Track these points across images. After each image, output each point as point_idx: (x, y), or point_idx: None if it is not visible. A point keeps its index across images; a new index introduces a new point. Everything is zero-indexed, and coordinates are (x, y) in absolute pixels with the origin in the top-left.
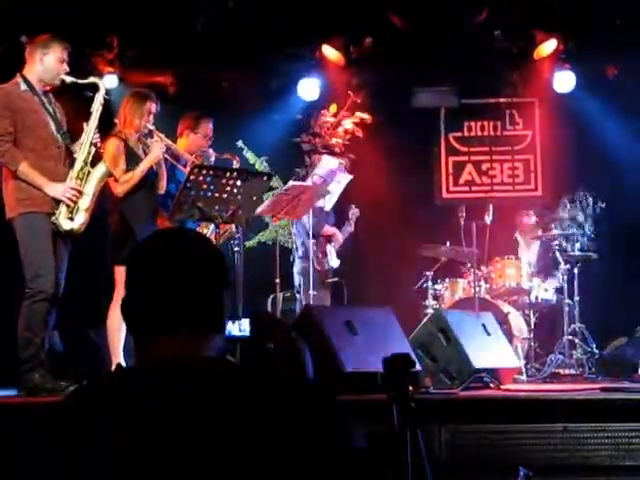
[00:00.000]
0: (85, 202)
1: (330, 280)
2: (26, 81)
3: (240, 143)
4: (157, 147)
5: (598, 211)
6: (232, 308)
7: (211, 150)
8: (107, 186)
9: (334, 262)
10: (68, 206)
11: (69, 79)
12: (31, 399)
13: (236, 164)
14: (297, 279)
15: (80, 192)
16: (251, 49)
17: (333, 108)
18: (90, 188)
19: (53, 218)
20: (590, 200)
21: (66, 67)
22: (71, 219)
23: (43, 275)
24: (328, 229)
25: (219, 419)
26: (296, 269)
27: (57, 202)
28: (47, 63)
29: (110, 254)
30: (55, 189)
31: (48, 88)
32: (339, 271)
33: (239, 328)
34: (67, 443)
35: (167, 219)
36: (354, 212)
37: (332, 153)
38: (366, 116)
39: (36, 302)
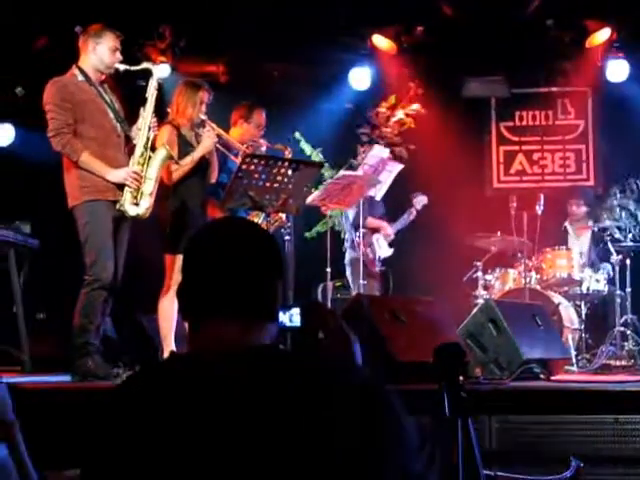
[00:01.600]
0: (149, 187)
1: (377, 270)
2: (82, 72)
3: (297, 135)
4: (209, 137)
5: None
6: (283, 297)
7: (262, 140)
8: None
9: (384, 252)
10: (132, 192)
11: (122, 67)
12: (84, 385)
13: (287, 155)
14: (347, 269)
15: (141, 176)
16: (302, 39)
17: (392, 99)
18: (152, 172)
19: (119, 205)
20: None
21: (119, 56)
22: (136, 204)
23: (102, 263)
24: (372, 221)
25: (270, 408)
26: (346, 259)
27: (121, 189)
28: (100, 52)
29: (162, 242)
30: (117, 175)
31: (103, 78)
32: (389, 261)
33: (290, 318)
34: (119, 430)
35: (218, 208)
36: (420, 199)
37: (389, 144)
38: (419, 107)
39: (94, 290)
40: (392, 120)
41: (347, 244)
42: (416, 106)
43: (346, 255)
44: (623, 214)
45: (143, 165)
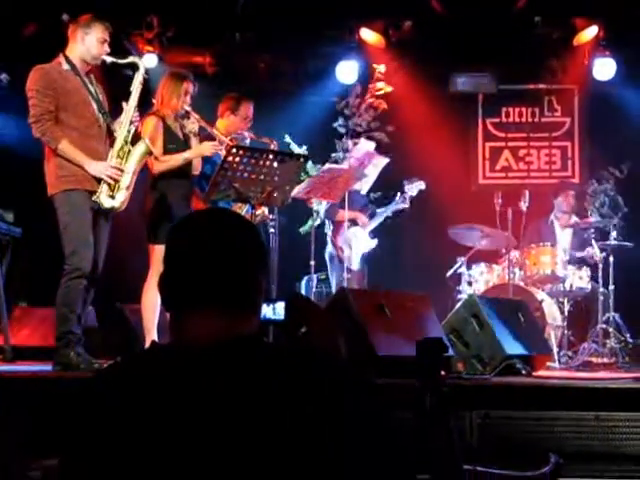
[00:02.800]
0: (126, 180)
1: (355, 268)
2: (68, 61)
3: (287, 138)
4: (208, 148)
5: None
6: (267, 290)
7: (247, 132)
8: (145, 165)
9: (364, 245)
10: (109, 184)
11: (109, 59)
12: (65, 374)
13: (273, 147)
14: (328, 264)
15: (121, 170)
16: (290, 31)
17: (358, 89)
18: (130, 166)
19: (94, 197)
20: (617, 173)
21: (107, 48)
22: (112, 197)
23: (81, 252)
24: (343, 214)
25: (251, 400)
26: (326, 254)
27: (98, 180)
28: (88, 43)
29: (146, 232)
30: (96, 167)
31: (89, 68)
32: (372, 254)
33: (273, 311)
34: (98, 419)
35: (202, 199)
36: (415, 185)
37: (366, 131)
38: (384, 85)
39: (73, 279)
40: (363, 107)
41: (328, 238)
42: (381, 84)
43: (327, 249)
44: (605, 200)
45: (122, 158)
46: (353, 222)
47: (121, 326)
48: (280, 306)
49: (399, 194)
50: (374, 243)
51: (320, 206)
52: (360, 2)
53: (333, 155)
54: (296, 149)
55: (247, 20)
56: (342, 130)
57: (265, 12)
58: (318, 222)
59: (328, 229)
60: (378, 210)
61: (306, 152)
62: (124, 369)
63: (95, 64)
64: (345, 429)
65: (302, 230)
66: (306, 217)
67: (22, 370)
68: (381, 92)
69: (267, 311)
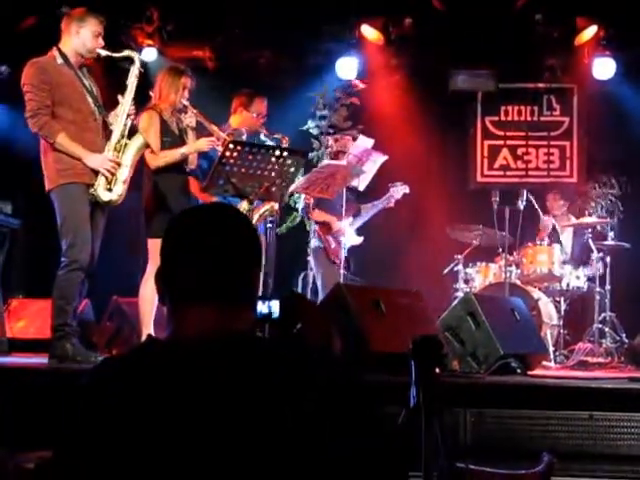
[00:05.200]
0: (123, 173)
1: (342, 257)
2: (62, 54)
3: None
4: (205, 143)
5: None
6: (263, 286)
7: (263, 128)
8: (142, 159)
9: (350, 240)
10: (106, 177)
11: (104, 53)
12: (61, 367)
13: (284, 144)
14: (310, 258)
15: (118, 164)
16: (290, 26)
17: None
18: (127, 159)
19: (92, 190)
20: (614, 182)
21: (101, 41)
22: (109, 190)
23: (78, 245)
24: (320, 215)
25: (246, 394)
26: (309, 248)
27: (96, 174)
28: (83, 37)
29: (143, 226)
30: (94, 160)
31: (83, 61)
32: (366, 251)
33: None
34: (93, 412)
35: (202, 191)
36: (399, 189)
37: (340, 131)
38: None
39: (71, 271)
40: (336, 106)
41: (311, 233)
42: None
43: (310, 243)
44: (605, 203)
45: (119, 152)
46: (324, 224)
47: (118, 319)
48: (275, 304)
49: (385, 196)
50: (360, 240)
51: (299, 203)
52: None
53: (310, 155)
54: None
55: (248, 15)
56: (315, 131)
57: (266, 7)
58: (297, 221)
59: (310, 225)
60: (363, 207)
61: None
62: (120, 363)
63: (90, 57)
64: (334, 425)
65: (279, 231)
66: (282, 218)
67: (18, 362)
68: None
69: (263, 308)
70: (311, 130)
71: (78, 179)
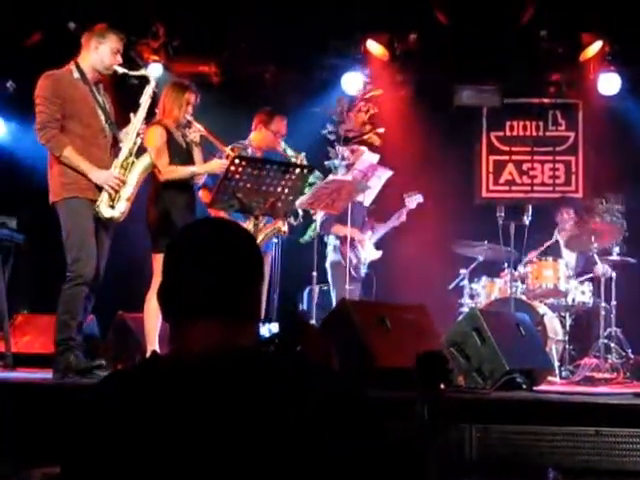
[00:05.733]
0: (127, 191)
1: (361, 274)
2: (79, 69)
3: (282, 145)
4: (218, 166)
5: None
6: (267, 301)
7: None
8: (149, 174)
9: (370, 255)
10: (110, 194)
11: (121, 70)
12: (65, 382)
13: (300, 162)
14: (328, 272)
15: (123, 181)
16: (296, 41)
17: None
18: (133, 178)
19: (95, 205)
20: (621, 198)
21: (119, 58)
22: (112, 207)
23: (83, 259)
24: (340, 229)
25: (251, 410)
26: (327, 262)
27: (99, 189)
28: (101, 52)
29: (149, 241)
30: (100, 175)
31: (99, 78)
32: (375, 264)
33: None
34: (98, 428)
35: (208, 207)
36: (415, 198)
37: (358, 136)
38: (374, 90)
39: (75, 286)
40: (353, 111)
41: (329, 247)
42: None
43: (327, 258)
44: (611, 219)
45: (126, 169)
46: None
47: (122, 335)
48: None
49: (397, 212)
50: (379, 254)
51: (317, 217)
52: (366, 14)
53: (327, 163)
54: (291, 154)
55: (253, 30)
56: (332, 137)
57: (271, 22)
58: (317, 232)
59: (329, 239)
60: (377, 225)
61: (305, 160)
62: (125, 378)
63: (107, 74)
64: (337, 440)
65: (302, 240)
66: (305, 227)
67: (22, 377)
68: (370, 94)
69: (264, 331)
70: (328, 136)
71: (82, 194)
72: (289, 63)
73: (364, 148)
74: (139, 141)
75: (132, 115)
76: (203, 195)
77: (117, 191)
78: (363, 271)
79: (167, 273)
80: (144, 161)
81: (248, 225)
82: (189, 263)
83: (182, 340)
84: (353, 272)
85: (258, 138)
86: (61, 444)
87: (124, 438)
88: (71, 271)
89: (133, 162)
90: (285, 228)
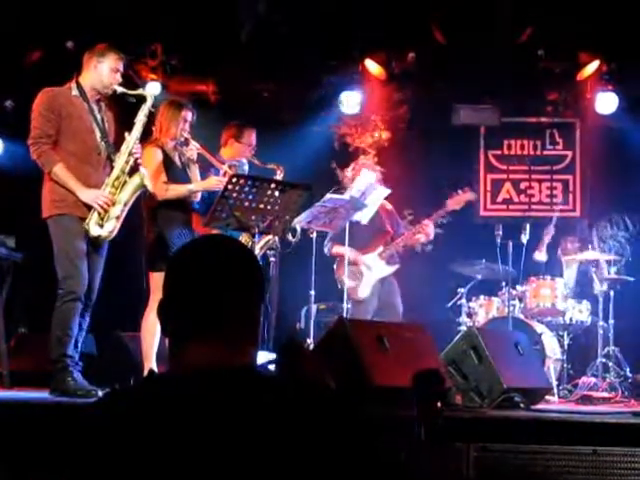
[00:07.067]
0: (116, 210)
1: (355, 297)
2: (79, 87)
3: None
4: (215, 183)
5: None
6: (266, 320)
7: (254, 159)
8: (143, 193)
9: (382, 272)
10: (99, 213)
11: (120, 89)
12: (62, 402)
13: (280, 174)
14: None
15: (112, 201)
16: (294, 61)
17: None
18: (124, 197)
19: (84, 223)
20: (627, 221)
21: (119, 78)
22: (101, 226)
23: (74, 276)
24: (339, 250)
25: (247, 429)
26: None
27: (89, 208)
28: (101, 71)
29: (145, 260)
30: (88, 195)
31: (99, 96)
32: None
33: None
34: (94, 449)
35: (203, 226)
36: (431, 228)
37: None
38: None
39: (67, 302)
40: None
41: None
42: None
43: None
44: (614, 245)
45: (117, 188)
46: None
47: (120, 354)
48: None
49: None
50: (392, 269)
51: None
52: (364, 33)
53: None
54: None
55: (251, 49)
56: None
57: (269, 41)
58: None
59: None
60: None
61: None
62: (122, 397)
63: (106, 93)
64: (333, 459)
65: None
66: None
67: (20, 397)
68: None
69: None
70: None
71: (71, 211)
72: (287, 82)
73: (363, 162)
74: (132, 160)
75: (127, 134)
76: (194, 220)
77: (106, 210)
78: (366, 292)
79: (167, 291)
80: (136, 180)
81: (243, 239)
82: (189, 282)
83: (181, 358)
84: (353, 295)
85: (229, 153)
86: (60, 465)
87: (123, 458)
88: (62, 288)
89: (125, 181)
90: (277, 238)
